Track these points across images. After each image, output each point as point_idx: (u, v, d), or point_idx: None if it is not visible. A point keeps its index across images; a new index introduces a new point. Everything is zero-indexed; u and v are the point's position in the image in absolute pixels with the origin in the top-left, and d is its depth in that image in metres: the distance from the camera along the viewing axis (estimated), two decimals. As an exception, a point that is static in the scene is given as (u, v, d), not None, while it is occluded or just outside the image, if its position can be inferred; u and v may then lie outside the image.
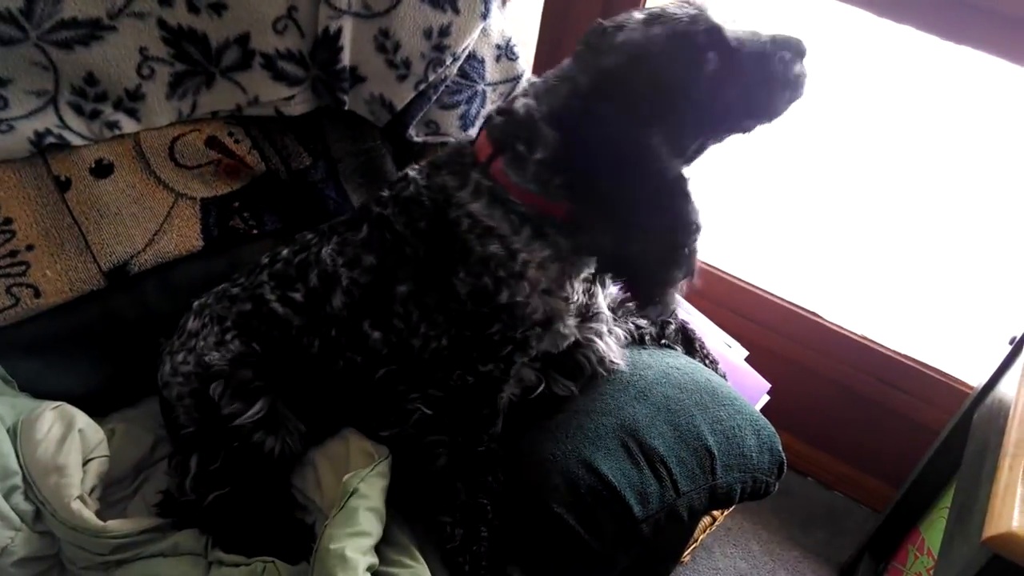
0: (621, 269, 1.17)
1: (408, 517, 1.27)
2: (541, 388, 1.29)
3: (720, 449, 1.24)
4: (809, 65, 1.15)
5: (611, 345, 1.35)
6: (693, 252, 1.14)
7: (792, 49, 1.13)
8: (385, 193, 1.27)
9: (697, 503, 1.22)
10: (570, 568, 1.22)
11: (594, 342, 1.32)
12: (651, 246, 1.12)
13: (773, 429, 1.32)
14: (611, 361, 1.34)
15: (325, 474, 1.29)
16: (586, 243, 1.16)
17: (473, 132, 1.56)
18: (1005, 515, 1.05)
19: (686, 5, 1.11)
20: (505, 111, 1.18)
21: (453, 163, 1.21)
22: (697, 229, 1.12)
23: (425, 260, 1.20)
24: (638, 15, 1.11)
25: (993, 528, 1.04)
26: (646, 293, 1.18)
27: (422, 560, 1.19)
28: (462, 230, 1.16)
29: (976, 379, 1.85)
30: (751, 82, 1.12)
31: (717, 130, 1.17)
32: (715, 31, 1.09)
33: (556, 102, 1.12)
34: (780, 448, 1.31)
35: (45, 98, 1.26)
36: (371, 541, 1.14)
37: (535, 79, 1.21)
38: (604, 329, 1.34)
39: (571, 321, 1.25)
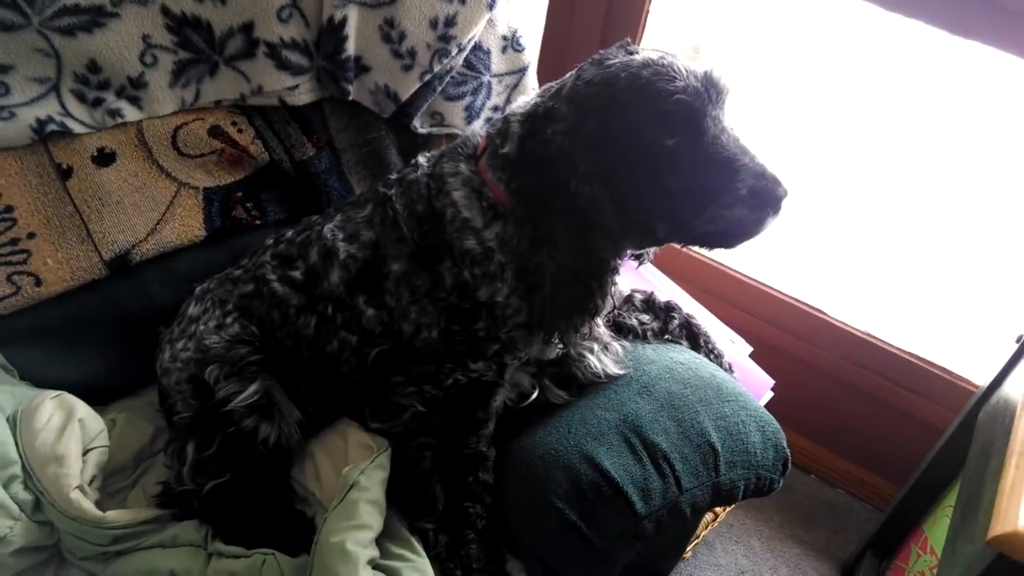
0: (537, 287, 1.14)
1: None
2: (535, 395, 1.29)
3: (724, 446, 1.23)
4: (771, 223, 1.07)
5: (604, 360, 1.33)
6: (594, 296, 1.13)
7: (764, 192, 1.04)
8: (393, 176, 1.28)
9: (700, 500, 1.21)
10: (572, 564, 1.21)
11: (586, 357, 1.31)
12: (559, 285, 1.11)
13: (778, 425, 1.31)
14: (606, 374, 1.33)
15: (323, 467, 1.28)
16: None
17: (478, 124, 1.55)
18: (1011, 514, 1.04)
19: (693, 73, 1.05)
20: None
21: (456, 152, 1.22)
22: (611, 270, 1.14)
23: (418, 243, 1.20)
24: (639, 57, 1.07)
25: (999, 527, 1.03)
26: (549, 325, 1.16)
27: (423, 553, 1.19)
28: (446, 221, 1.17)
29: (980, 377, 1.84)
30: (698, 187, 1.05)
31: (653, 216, 1.10)
32: (694, 110, 1.03)
33: (534, 102, 1.14)
34: (785, 444, 1.30)
35: (47, 85, 1.25)
36: (372, 534, 1.14)
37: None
38: (596, 347, 1.33)
39: None
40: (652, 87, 1.03)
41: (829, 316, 2.04)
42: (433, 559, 1.20)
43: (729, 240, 1.09)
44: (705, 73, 1.06)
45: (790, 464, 1.31)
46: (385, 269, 1.21)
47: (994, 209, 2.00)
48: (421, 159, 1.26)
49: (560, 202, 1.07)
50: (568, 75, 1.13)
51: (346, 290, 1.24)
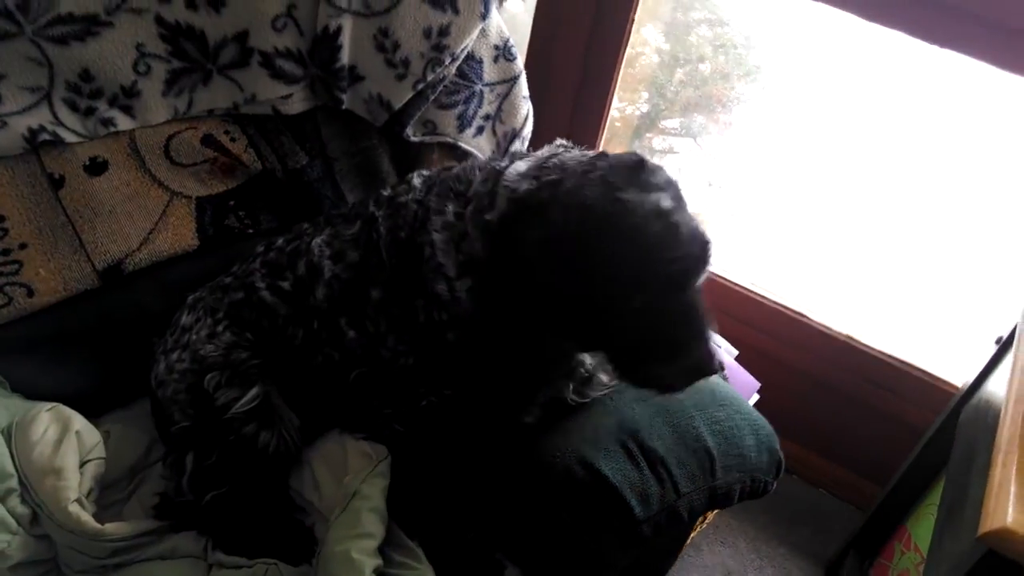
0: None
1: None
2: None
3: (719, 450, 1.25)
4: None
5: (583, 390, 1.32)
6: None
7: (699, 368, 1.08)
8: (386, 192, 1.27)
9: (697, 503, 1.23)
10: (571, 569, 1.22)
11: (562, 392, 1.30)
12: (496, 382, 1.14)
13: (771, 428, 1.34)
14: (589, 397, 1.32)
15: (322, 475, 1.28)
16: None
17: (470, 132, 1.56)
18: (1000, 511, 1.07)
19: (695, 229, 1.02)
20: (510, 161, 1.15)
21: (448, 187, 1.19)
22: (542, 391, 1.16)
23: (396, 273, 1.19)
24: (654, 200, 1.00)
25: (989, 524, 1.06)
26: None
27: (426, 561, 1.19)
28: (424, 258, 1.15)
29: (958, 377, 1.89)
30: (653, 342, 1.05)
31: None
32: (685, 278, 1.03)
33: (528, 188, 1.07)
34: (778, 447, 1.33)
35: (39, 94, 1.24)
36: (375, 542, 1.14)
37: (563, 149, 1.15)
38: (572, 384, 1.30)
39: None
40: (656, 249, 0.99)
41: (811, 320, 2.07)
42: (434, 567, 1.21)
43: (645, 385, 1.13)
44: (703, 238, 1.04)
45: (784, 466, 1.34)
46: (366, 294, 1.21)
47: (971, 212, 2.05)
48: (416, 180, 1.24)
49: (520, 301, 1.06)
50: (581, 161, 1.07)
51: (330, 308, 1.23)
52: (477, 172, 1.18)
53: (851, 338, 2.03)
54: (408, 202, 1.21)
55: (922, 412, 1.90)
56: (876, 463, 2.05)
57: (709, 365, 1.07)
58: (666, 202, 1.01)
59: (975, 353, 1.60)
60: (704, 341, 1.06)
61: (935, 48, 1.63)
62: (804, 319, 2.08)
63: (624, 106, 2.53)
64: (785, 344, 2.10)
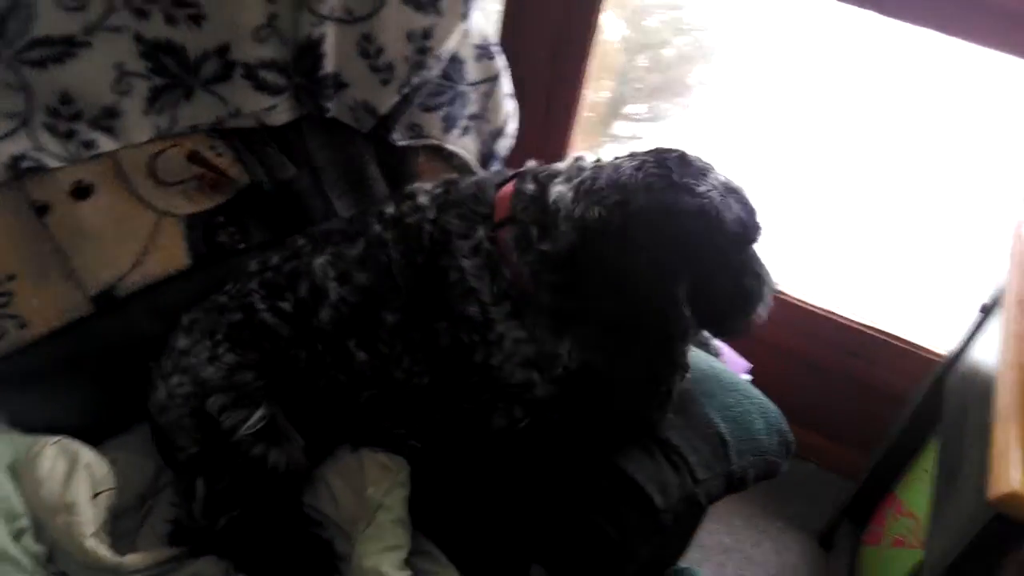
0: (598, 387, 1.18)
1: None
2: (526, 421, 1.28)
3: (732, 435, 1.28)
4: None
5: None
6: (672, 391, 1.18)
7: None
8: (390, 210, 1.25)
9: (715, 489, 1.25)
10: (595, 564, 1.23)
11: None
12: (632, 384, 1.16)
13: (778, 410, 1.37)
14: None
15: (340, 489, 1.27)
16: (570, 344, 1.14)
17: (456, 133, 1.55)
18: (1005, 476, 1.11)
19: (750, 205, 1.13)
20: (541, 184, 1.15)
21: (467, 207, 1.18)
22: (682, 371, 1.18)
23: (414, 296, 1.18)
24: (715, 179, 1.10)
25: (997, 489, 1.10)
26: (620, 422, 1.22)
27: (449, 563, 1.20)
28: (449, 282, 1.15)
29: (937, 345, 1.94)
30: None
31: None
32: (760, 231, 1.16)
33: (590, 212, 1.08)
34: (787, 428, 1.36)
35: (17, 120, 1.20)
36: (403, 554, 1.15)
37: (588, 163, 1.17)
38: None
39: (551, 388, 1.21)
40: (739, 216, 1.10)
41: (789, 296, 2.11)
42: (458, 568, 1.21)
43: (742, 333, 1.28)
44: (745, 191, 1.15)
45: (794, 446, 1.37)
46: (379, 317, 1.20)
47: (947, 190, 2.09)
48: (422, 198, 1.23)
49: (639, 321, 1.09)
50: (627, 168, 1.10)
51: (336, 331, 1.22)
52: (493, 190, 1.19)
53: (830, 311, 2.07)
54: (419, 223, 1.20)
55: (902, 380, 1.95)
56: (862, 433, 2.10)
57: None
58: (721, 176, 1.11)
59: (951, 320, 1.64)
60: (766, 274, 1.21)
61: (898, 23, 1.65)
62: (783, 296, 2.11)
63: (586, 93, 2.54)
64: (767, 321, 2.13)
